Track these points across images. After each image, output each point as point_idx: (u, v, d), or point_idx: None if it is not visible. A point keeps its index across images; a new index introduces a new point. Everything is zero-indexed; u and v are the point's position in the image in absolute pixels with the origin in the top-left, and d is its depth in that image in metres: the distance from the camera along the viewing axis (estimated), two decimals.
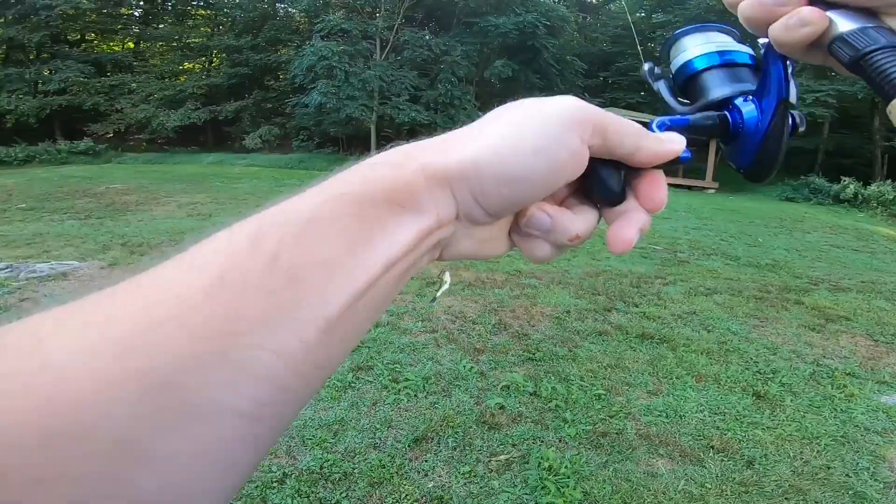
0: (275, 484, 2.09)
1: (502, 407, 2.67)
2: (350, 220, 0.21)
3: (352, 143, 19.64)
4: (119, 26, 21.89)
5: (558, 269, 5.24)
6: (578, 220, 0.29)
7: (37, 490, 0.15)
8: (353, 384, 2.96)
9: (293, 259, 0.19)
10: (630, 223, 0.29)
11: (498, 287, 4.63)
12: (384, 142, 19.31)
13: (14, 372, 0.16)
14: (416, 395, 2.81)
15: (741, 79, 0.34)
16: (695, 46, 0.36)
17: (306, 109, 16.57)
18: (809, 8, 0.28)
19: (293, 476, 2.14)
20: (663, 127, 0.32)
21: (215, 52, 21.54)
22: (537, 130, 0.25)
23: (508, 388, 2.85)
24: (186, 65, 21.91)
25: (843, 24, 0.28)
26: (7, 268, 5.06)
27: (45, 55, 19.37)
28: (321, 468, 2.19)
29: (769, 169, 0.34)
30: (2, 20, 18.54)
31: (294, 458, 2.27)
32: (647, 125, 0.31)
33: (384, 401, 2.75)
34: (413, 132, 18.24)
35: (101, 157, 16.97)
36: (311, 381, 0.20)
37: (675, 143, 0.29)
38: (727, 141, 0.34)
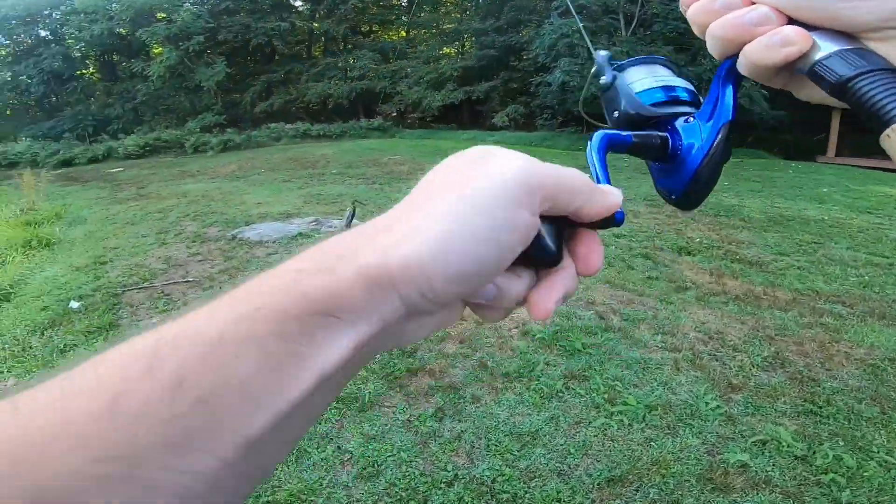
0: (442, 485, 2.03)
1: (744, 466, 2.12)
2: (271, 339, 0.19)
3: (596, 122, 18.73)
4: (393, 17, 25.13)
5: (879, 295, 3.93)
6: (520, 283, 0.27)
7: None
8: (560, 394, 2.72)
9: (201, 383, 0.18)
10: (555, 288, 0.27)
11: (780, 308, 3.74)
12: None
13: None
14: (630, 425, 2.43)
15: (678, 108, 0.35)
16: (639, 80, 0.36)
17: (549, 88, 16.40)
18: (793, 27, 0.27)
19: (462, 482, 2.03)
20: (606, 140, 0.32)
21: (466, 35, 23.07)
22: (482, 216, 0.23)
23: (765, 443, 2.26)
24: (445, 49, 24.03)
25: (827, 46, 0.27)
26: (314, 221, 6.28)
27: (349, 46, 23.33)
28: (493, 481, 2.04)
29: (700, 196, 0.33)
30: (319, 15, 22.77)
31: (472, 462, 2.18)
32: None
33: (590, 422, 2.45)
34: None
35: (388, 133, 19.91)
36: (241, 489, 0.20)
37: (615, 196, 0.28)
38: (665, 161, 0.34)
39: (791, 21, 0.28)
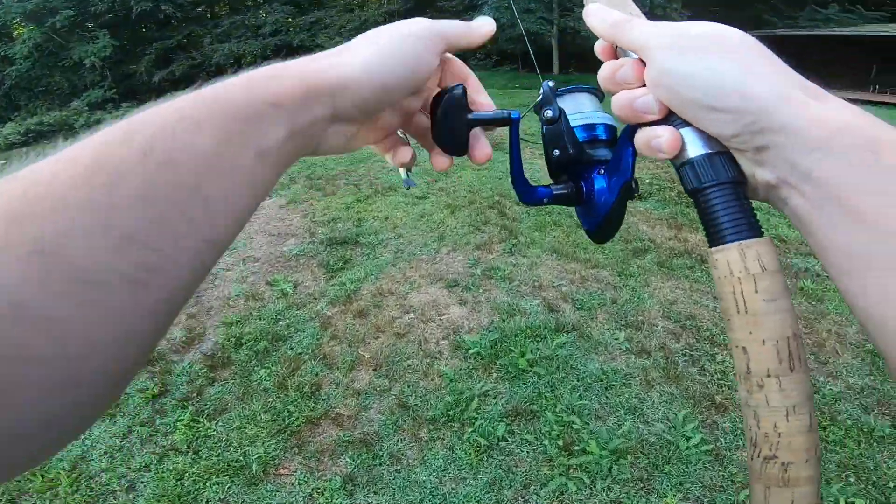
0: None
1: None
2: (223, 119, 0.23)
3: (531, 60, 17.63)
4: None
5: None
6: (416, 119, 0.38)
7: None
8: (502, 443, 1.99)
9: (167, 150, 0.21)
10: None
11: None
12: (571, 60, 16.74)
13: None
14: (592, 484, 1.76)
15: (598, 150, 0.37)
16: (577, 116, 0.38)
17: None
18: (670, 134, 0.29)
19: None
20: (544, 192, 0.38)
21: None
22: (397, 47, 0.30)
23: None
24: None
25: (693, 148, 0.29)
26: None
27: (252, 2, 20.77)
28: None
29: (609, 235, 0.37)
30: None
31: None
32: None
33: (542, 484, 1.76)
34: None
35: None
36: (199, 252, 0.22)
37: (489, 24, 0.36)
38: (581, 204, 0.38)
39: (671, 114, 0.30)
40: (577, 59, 17.39)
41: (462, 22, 0.34)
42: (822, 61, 15.07)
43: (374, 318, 2.92)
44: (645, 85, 0.30)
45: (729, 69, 0.27)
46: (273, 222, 4.57)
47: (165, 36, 19.94)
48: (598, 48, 0.36)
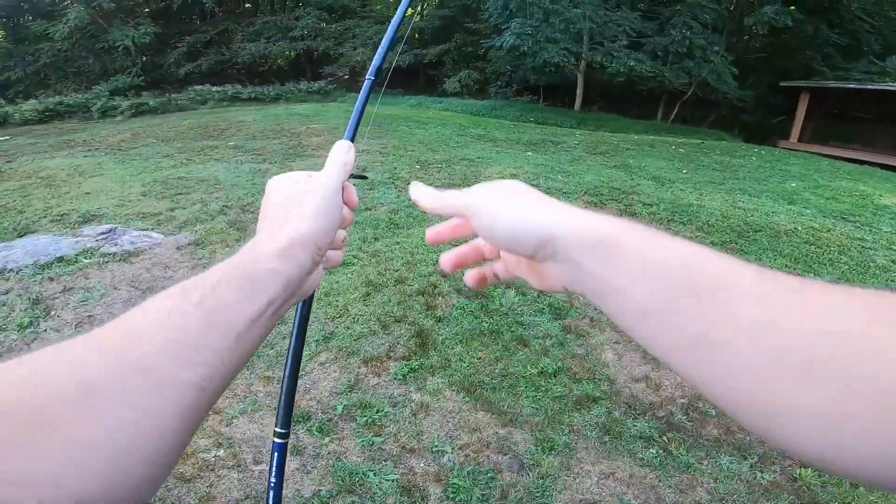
0: None
1: None
2: (242, 280, 0.33)
3: (554, 92, 16.52)
4: None
5: None
6: (342, 232, 0.47)
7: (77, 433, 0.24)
8: None
9: (210, 301, 0.31)
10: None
11: None
12: (592, 95, 15.59)
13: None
14: None
15: None
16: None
17: (500, 52, 14.02)
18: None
19: None
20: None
21: None
22: (329, 204, 0.41)
23: None
24: (409, 11, 20.93)
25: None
26: (107, 232, 4.22)
27: (292, 4, 20.32)
28: None
29: None
30: None
31: None
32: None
33: None
34: (631, 84, 14.23)
35: (329, 97, 17.41)
36: (233, 366, 0.32)
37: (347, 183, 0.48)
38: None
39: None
40: (603, 96, 16.23)
41: (336, 162, 0.46)
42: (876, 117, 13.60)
43: None
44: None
45: (517, 218, 0.35)
46: (153, 272, 3.58)
47: (201, 29, 19.56)
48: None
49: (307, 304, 0.54)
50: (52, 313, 3.06)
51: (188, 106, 16.08)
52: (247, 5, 22.12)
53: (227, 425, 2.23)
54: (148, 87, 17.68)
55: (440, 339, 2.86)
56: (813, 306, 0.23)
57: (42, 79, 19.21)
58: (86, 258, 3.73)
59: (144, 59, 18.99)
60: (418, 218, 4.52)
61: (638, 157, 8.49)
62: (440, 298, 3.25)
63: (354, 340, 2.81)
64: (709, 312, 0.25)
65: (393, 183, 5.68)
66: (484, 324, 3.01)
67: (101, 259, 3.72)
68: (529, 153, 8.14)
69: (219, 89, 16.84)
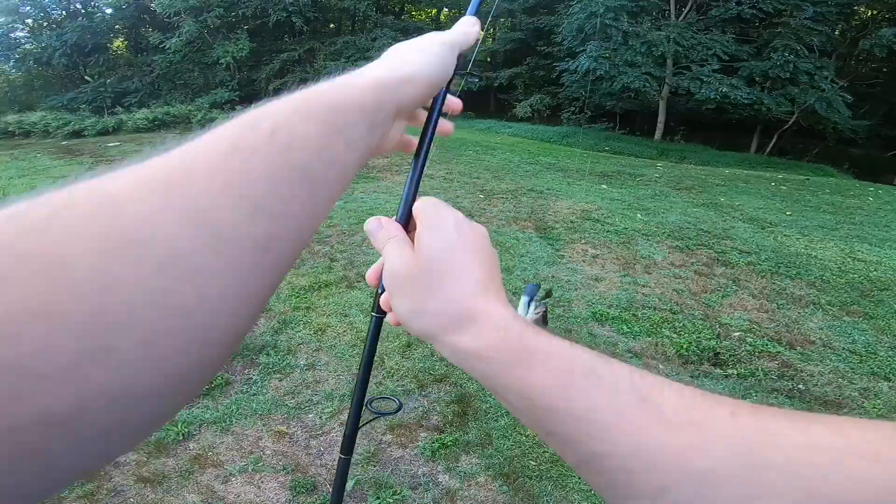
0: None
1: None
2: (325, 113, 0.28)
3: (632, 119, 15.67)
4: None
5: None
6: (455, 98, 0.44)
7: (107, 292, 0.17)
8: None
9: (286, 136, 0.25)
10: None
11: None
12: (674, 123, 14.62)
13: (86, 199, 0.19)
14: None
15: None
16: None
17: (574, 76, 13.47)
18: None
19: None
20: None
21: (495, 16, 19.96)
22: (440, 54, 0.38)
23: None
24: (481, 33, 21.02)
25: None
26: None
27: (371, 25, 21.11)
28: None
29: None
30: None
31: None
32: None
33: None
34: (721, 112, 13.20)
35: None
36: (312, 214, 0.27)
37: (471, 25, 0.44)
38: None
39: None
40: (687, 124, 15.14)
41: (459, 28, 0.42)
42: None
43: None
44: None
45: (423, 299, 0.34)
46: None
47: (290, 48, 20.83)
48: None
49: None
50: None
51: None
52: (331, 25, 23.33)
53: (223, 482, 1.96)
54: (242, 101, 18.95)
55: (484, 407, 2.43)
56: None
57: (155, 89, 21.13)
58: None
59: (240, 74, 20.45)
60: None
61: (730, 194, 7.60)
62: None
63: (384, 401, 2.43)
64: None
65: None
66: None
67: None
68: (604, 186, 7.52)
69: None
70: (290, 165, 0.25)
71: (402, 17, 22.50)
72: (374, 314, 0.41)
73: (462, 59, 0.42)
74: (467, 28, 0.42)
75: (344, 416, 2.34)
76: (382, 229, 0.37)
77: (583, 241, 4.73)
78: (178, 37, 18.70)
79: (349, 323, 3.09)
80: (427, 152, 0.42)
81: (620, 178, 8.32)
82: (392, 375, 2.62)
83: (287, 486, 1.95)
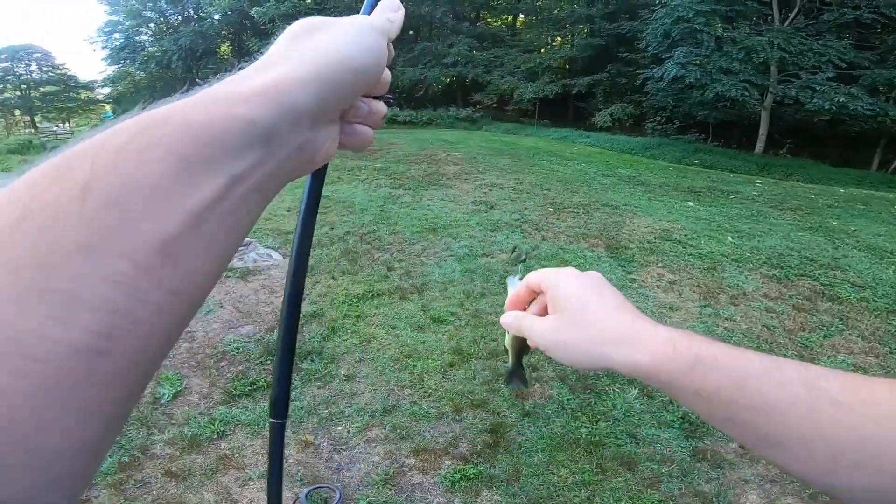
0: None
1: None
2: (178, 143, 0.19)
3: (727, 131, 14.48)
4: (498, 2, 22.18)
5: None
6: (381, 104, 0.33)
7: None
8: None
9: (111, 186, 0.17)
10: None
11: None
12: (779, 135, 13.33)
13: None
14: None
15: None
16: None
17: (659, 84, 12.67)
18: None
19: None
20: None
21: (569, 23, 19.57)
22: (365, 37, 0.29)
23: None
24: (559, 40, 20.60)
25: None
26: (243, 245, 4.41)
27: (447, 31, 21.44)
28: None
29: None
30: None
31: None
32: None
33: None
34: (835, 125, 11.87)
35: (476, 125, 17.83)
36: (167, 307, 0.18)
37: (394, 9, 0.34)
38: None
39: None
40: (796, 137, 13.65)
41: (382, 13, 0.33)
42: None
43: None
44: None
45: (586, 350, 0.40)
46: (259, 295, 3.54)
47: None
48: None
49: (313, 195, 0.40)
50: None
51: None
52: (409, 32, 24.03)
53: (240, 485, 1.94)
54: None
55: (519, 440, 2.24)
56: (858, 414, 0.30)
57: None
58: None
59: None
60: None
61: (844, 217, 6.70)
62: (536, 385, 2.61)
63: (415, 421, 2.33)
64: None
65: (520, 227, 5.14)
66: (583, 429, 2.32)
67: (225, 273, 3.82)
68: (690, 203, 6.93)
69: None
70: (121, 229, 0.17)
71: (478, 24, 22.61)
72: (270, 420, 0.38)
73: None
74: (391, 13, 0.34)
75: (373, 433, 2.26)
76: (515, 317, 0.46)
77: (659, 265, 4.34)
78: (273, 43, 20.44)
79: (395, 336, 3.01)
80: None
81: (710, 194, 7.64)
82: (429, 396, 2.50)
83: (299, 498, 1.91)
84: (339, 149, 0.31)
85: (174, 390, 2.49)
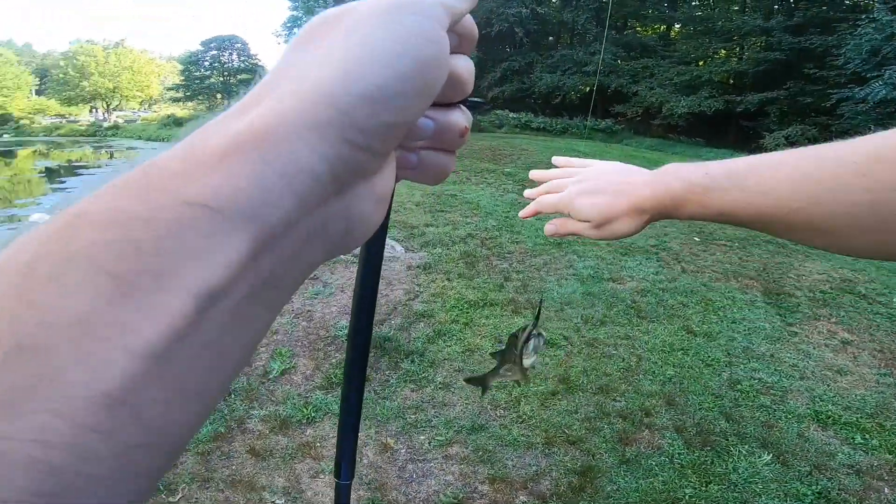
0: None
1: None
2: (107, 257, 0.13)
3: None
4: (648, 10, 20.89)
5: None
6: (458, 114, 0.23)
7: None
8: None
9: (23, 324, 0.13)
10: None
11: None
12: None
13: None
14: None
15: None
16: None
17: (860, 106, 10.71)
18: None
19: None
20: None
21: (746, 35, 17.43)
22: (402, 27, 0.18)
23: None
24: (723, 52, 18.58)
25: None
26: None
27: (591, 38, 20.63)
28: None
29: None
30: (556, 3, 20.66)
31: None
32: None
33: None
34: None
35: (614, 137, 17.00)
36: (131, 461, 0.14)
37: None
38: None
39: None
40: None
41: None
42: None
43: None
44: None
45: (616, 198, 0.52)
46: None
47: (512, 58, 21.88)
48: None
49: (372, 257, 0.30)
50: (294, 296, 3.37)
51: (487, 128, 18.09)
52: (549, 38, 23.66)
53: (311, 476, 1.96)
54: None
55: (608, 488, 1.97)
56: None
57: None
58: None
59: None
60: (672, 309, 3.43)
61: None
62: (645, 432, 2.28)
63: (500, 446, 2.15)
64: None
65: (656, 254, 4.64)
66: (687, 489, 1.98)
67: (350, 259, 4.00)
68: None
69: (515, 115, 18.63)
70: (38, 382, 0.13)
71: (626, 32, 21.35)
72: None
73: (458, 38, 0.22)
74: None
75: (454, 450, 2.13)
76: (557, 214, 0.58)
77: (832, 320, 3.58)
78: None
79: (480, 335, 2.86)
80: None
81: None
82: (521, 422, 2.30)
83: (361, 499, 1.88)
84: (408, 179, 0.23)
85: (283, 367, 2.61)
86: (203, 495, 1.84)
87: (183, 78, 34.58)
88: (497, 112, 19.08)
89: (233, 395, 2.37)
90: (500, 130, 17.81)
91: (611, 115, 18.69)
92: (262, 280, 0.15)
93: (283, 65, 0.18)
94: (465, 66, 0.22)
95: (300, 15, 29.28)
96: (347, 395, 0.33)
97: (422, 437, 2.19)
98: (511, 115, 18.69)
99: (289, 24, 29.97)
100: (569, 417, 2.33)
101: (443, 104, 0.22)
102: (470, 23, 0.23)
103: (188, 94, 33.86)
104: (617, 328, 3.13)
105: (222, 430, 2.15)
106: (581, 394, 2.50)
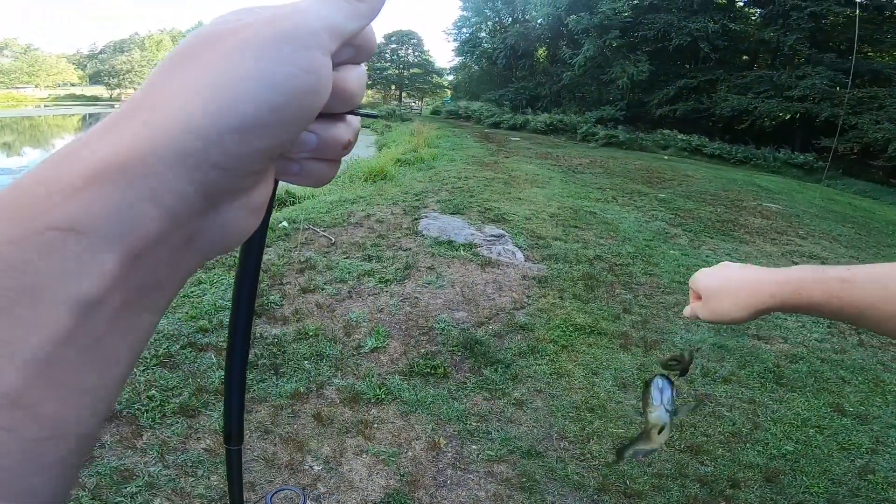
0: None
1: None
2: None
3: None
4: (888, 36, 17.03)
5: None
6: (343, 127, 0.23)
7: None
8: None
9: None
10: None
11: None
12: None
13: None
14: None
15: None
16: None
17: None
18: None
19: None
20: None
21: None
22: (264, 59, 0.18)
23: None
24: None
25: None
26: (496, 237, 4.83)
27: (801, 60, 17.79)
28: None
29: None
30: (773, 25, 18.02)
31: None
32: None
33: None
34: None
35: (812, 175, 14.62)
36: (36, 455, 0.15)
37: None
38: None
39: None
40: None
41: None
42: None
43: None
44: None
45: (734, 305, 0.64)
46: (486, 289, 3.67)
47: (689, 74, 20.07)
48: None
49: (254, 250, 0.28)
50: (408, 281, 3.63)
51: (650, 147, 17.19)
52: (743, 57, 21.01)
53: (355, 454, 2.04)
54: (625, 121, 19.84)
55: None
56: None
57: (559, 98, 24.78)
58: (463, 250, 4.28)
59: (631, 95, 21.47)
60: (826, 382, 2.83)
61: None
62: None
63: (548, 479, 2.04)
64: None
65: (829, 321, 3.85)
66: None
67: (469, 256, 4.14)
68: None
69: (684, 137, 17.18)
70: None
71: (849, 57, 17.81)
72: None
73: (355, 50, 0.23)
74: None
75: (500, 468, 2.05)
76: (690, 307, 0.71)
77: None
78: (583, 54, 20.79)
79: (591, 383, 2.65)
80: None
81: None
82: (582, 460, 2.12)
83: (389, 489, 1.89)
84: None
85: (376, 344, 2.78)
86: (256, 444, 2.06)
87: None
88: (664, 131, 17.74)
89: (323, 361, 2.59)
90: (664, 152, 16.62)
91: (814, 148, 15.98)
92: (137, 287, 0.17)
93: (154, 86, 0.18)
94: (355, 79, 0.23)
95: (469, 15, 30.55)
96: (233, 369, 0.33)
97: (473, 447, 2.16)
98: (680, 135, 17.34)
99: (459, 24, 31.58)
100: (637, 469, 2.09)
101: (329, 115, 0.23)
102: (368, 33, 0.23)
103: None
104: (742, 389, 2.69)
105: (302, 390, 2.37)
106: (665, 447, 2.21)
